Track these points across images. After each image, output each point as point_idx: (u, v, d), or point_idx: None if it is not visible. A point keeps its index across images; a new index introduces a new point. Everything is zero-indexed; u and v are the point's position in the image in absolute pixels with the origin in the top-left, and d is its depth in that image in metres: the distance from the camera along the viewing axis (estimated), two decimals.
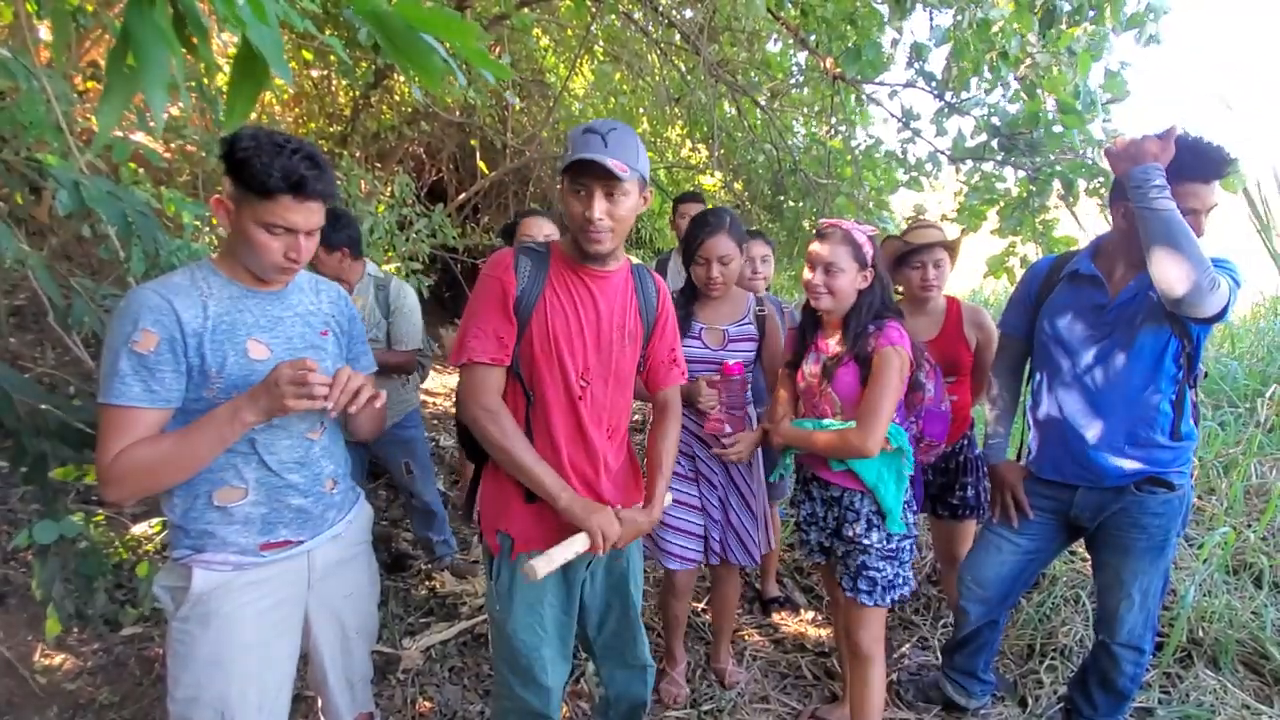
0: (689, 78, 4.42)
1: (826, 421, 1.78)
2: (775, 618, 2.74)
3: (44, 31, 2.62)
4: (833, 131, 4.25)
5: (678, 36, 4.15)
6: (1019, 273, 3.62)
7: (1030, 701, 2.23)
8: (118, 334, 1.20)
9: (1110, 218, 1.71)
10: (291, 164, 1.20)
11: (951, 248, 2.19)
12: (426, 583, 2.89)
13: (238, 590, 1.32)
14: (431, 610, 2.72)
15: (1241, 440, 3.37)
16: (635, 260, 1.59)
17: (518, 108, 5.51)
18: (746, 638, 2.59)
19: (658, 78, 4.93)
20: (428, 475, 2.85)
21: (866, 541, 1.75)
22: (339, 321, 1.48)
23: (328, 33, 3.06)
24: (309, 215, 1.26)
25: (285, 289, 1.38)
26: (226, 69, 3.33)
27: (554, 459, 1.45)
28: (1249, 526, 2.87)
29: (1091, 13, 2.97)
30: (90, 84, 3.22)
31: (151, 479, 1.23)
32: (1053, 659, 2.38)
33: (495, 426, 1.40)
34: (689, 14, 4.38)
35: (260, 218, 1.23)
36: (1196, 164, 1.57)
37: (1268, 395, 3.51)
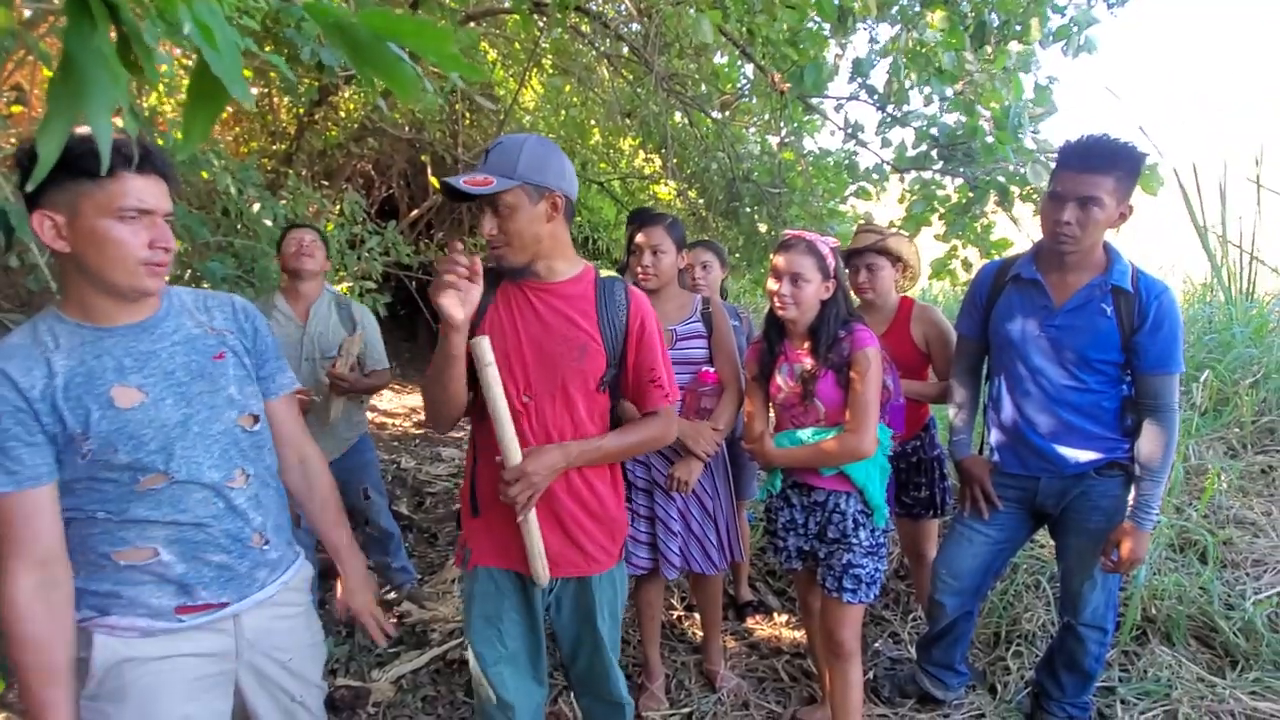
0: (639, 90, 4.46)
1: (807, 432, 1.81)
2: (750, 622, 2.75)
3: None
4: (783, 142, 4.33)
5: (626, 49, 4.17)
6: (960, 274, 3.78)
7: (999, 688, 2.29)
8: None
9: (1042, 224, 1.79)
10: (118, 140, 1.00)
11: (885, 252, 2.23)
12: (395, 608, 2.81)
13: (152, 661, 1.14)
14: (401, 639, 2.64)
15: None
16: (607, 273, 1.56)
17: (468, 121, 5.45)
18: (723, 644, 2.59)
19: (608, 90, 4.94)
20: (382, 499, 2.83)
21: (854, 540, 1.79)
22: (239, 339, 1.26)
23: (268, 49, 2.98)
24: (160, 194, 1.08)
25: (155, 316, 1.15)
26: (160, 89, 3.22)
27: (496, 476, 1.38)
28: (1190, 505, 3.01)
29: (1018, 27, 3.13)
30: (15, 108, 3.06)
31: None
32: (1018, 645, 2.44)
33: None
34: (635, 27, 4.41)
35: (110, 204, 1.02)
36: (1072, 153, 1.70)
37: (1202, 380, 3.69)
